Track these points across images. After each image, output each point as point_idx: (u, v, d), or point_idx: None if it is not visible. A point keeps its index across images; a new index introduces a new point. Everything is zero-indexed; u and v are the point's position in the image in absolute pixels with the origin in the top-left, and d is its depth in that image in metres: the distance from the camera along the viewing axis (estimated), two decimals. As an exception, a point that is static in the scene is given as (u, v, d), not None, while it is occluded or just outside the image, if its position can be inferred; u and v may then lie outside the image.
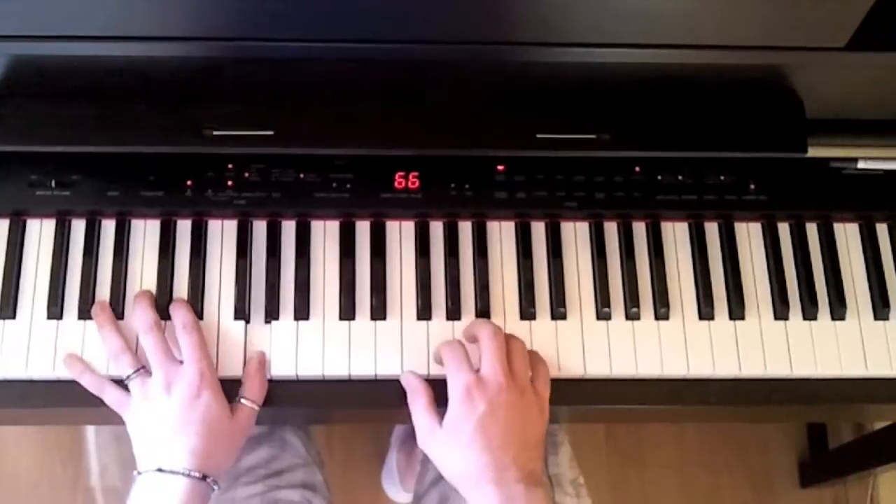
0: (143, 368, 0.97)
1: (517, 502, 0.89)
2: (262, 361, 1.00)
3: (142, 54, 0.87)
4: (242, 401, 0.98)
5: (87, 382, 0.98)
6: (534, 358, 1.00)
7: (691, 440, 1.98)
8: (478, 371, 0.94)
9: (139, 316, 0.99)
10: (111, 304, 1.01)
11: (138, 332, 0.99)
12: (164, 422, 0.93)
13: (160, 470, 0.91)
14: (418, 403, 0.97)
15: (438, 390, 0.96)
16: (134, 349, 0.99)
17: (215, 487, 0.93)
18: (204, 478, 0.92)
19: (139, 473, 0.93)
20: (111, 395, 0.97)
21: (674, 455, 1.96)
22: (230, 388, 0.98)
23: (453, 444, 0.92)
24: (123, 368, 0.97)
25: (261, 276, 1.03)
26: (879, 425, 1.70)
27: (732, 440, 2.00)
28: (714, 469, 1.98)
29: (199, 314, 1.02)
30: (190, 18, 0.82)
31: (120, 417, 0.98)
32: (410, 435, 1.77)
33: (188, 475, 0.91)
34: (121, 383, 0.98)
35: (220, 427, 0.95)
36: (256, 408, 0.98)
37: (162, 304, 1.01)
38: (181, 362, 0.97)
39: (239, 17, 0.82)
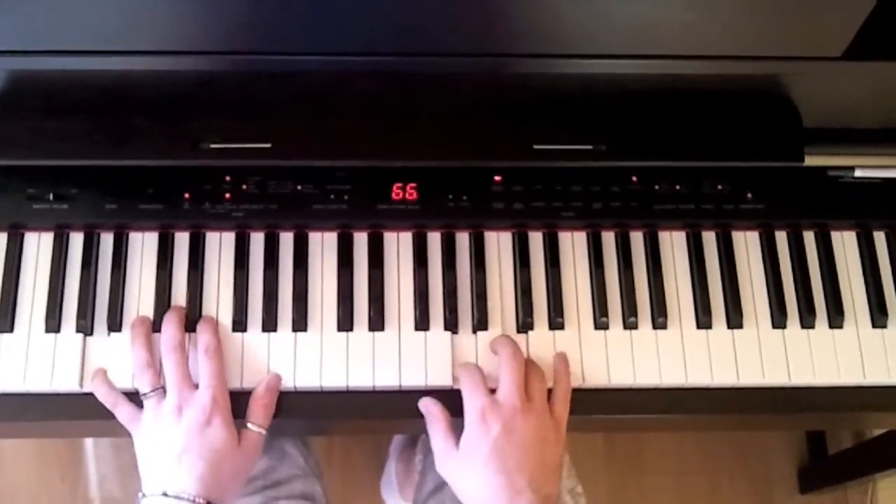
0: (162, 389, 0.97)
1: None
2: (271, 386, 0.99)
3: (140, 68, 0.88)
4: (249, 426, 0.97)
5: (103, 395, 0.98)
6: (557, 376, 1.00)
7: (690, 448, 1.97)
8: (493, 392, 0.95)
9: (166, 334, 0.99)
10: (108, 317, 1.01)
11: (161, 350, 0.98)
12: (173, 445, 0.93)
13: (165, 494, 0.91)
14: (436, 429, 0.97)
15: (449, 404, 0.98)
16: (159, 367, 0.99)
17: None
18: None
19: (143, 496, 0.93)
20: (123, 411, 0.97)
21: (673, 463, 1.96)
22: (231, 401, 0.98)
23: (469, 466, 0.93)
24: (143, 385, 0.97)
25: (258, 288, 1.03)
26: (878, 431, 1.70)
27: (731, 447, 1.99)
28: (713, 476, 1.98)
29: (195, 326, 1.01)
30: (187, 32, 0.82)
31: (119, 430, 0.98)
32: (409, 444, 1.77)
33: (193, 501, 0.90)
34: (136, 399, 0.98)
35: (227, 454, 0.94)
36: (263, 433, 0.98)
37: (161, 315, 1.01)
38: (198, 386, 0.97)
39: (236, 32, 0.82)
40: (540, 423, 0.94)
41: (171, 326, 0.99)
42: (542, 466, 0.93)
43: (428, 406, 0.99)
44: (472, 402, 0.94)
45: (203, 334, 1.00)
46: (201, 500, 0.91)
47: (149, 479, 0.94)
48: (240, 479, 0.98)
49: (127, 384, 0.99)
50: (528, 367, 0.98)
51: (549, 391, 0.98)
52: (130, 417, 0.97)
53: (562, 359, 1.01)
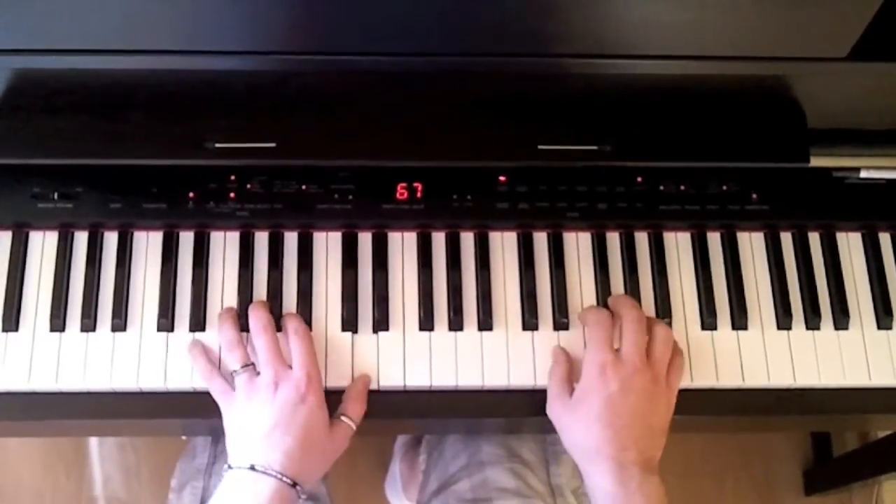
0: (252, 366, 0.97)
1: (631, 483, 0.91)
2: (367, 384, 1.00)
3: (144, 67, 0.88)
4: (343, 418, 0.98)
5: (200, 368, 0.99)
6: (675, 349, 1.00)
7: (695, 449, 1.97)
8: (617, 350, 0.96)
9: (254, 318, 0.99)
10: (113, 315, 1.01)
11: (252, 334, 0.99)
12: (265, 420, 0.93)
13: (252, 468, 0.91)
14: (556, 372, 0.99)
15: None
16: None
17: (302, 497, 0.93)
18: (294, 485, 0.91)
19: (230, 468, 0.93)
20: (217, 385, 0.98)
21: (677, 463, 1.95)
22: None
23: (580, 415, 0.94)
24: (233, 362, 0.97)
25: (263, 288, 1.03)
26: (884, 433, 1.70)
27: (736, 449, 1.99)
28: (718, 477, 1.98)
29: (202, 325, 1.02)
30: (191, 32, 0.83)
31: (123, 429, 0.98)
32: (413, 445, 1.77)
33: (280, 478, 0.90)
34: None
35: (317, 436, 0.95)
36: (354, 427, 0.98)
37: (166, 314, 1.01)
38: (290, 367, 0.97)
39: (240, 31, 0.83)
40: (655, 389, 0.95)
41: (258, 311, 1.00)
42: (650, 429, 0.94)
43: (558, 351, 1.01)
44: (596, 355, 0.96)
45: (291, 319, 1.00)
46: (287, 479, 0.91)
47: (237, 453, 0.94)
48: (325, 465, 0.98)
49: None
50: (655, 330, 0.99)
51: None
52: (224, 390, 0.97)
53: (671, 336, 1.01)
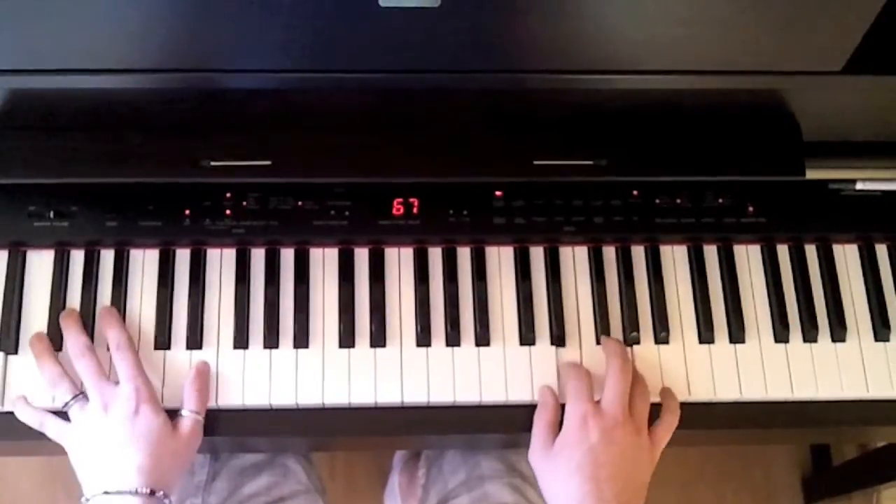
0: (82, 395, 0.97)
1: None
2: (201, 371, 0.99)
3: (139, 87, 0.88)
4: (182, 413, 0.97)
5: (26, 418, 0.98)
6: (670, 406, 1.00)
7: (694, 458, 1.97)
8: (598, 402, 0.96)
9: (70, 341, 0.99)
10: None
11: (71, 356, 0.98)
12: (106, 442, 0.93)
13: (106, 493, 0.91)
14: (542, 418, 0.98)
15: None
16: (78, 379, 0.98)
17: (167, 501, 0.92)
18: (152, 492, 0.91)
19: (87, 500, 0.92)
20: (51, 427, 0.97)
21: (676, 473, 1.95)
22: (232, 418, 0.99)
23: (560, 466, 0.94)
24: (62, 395, 0.97)
25: (260, 304, 1.03)
26: (883, 442, 1.70)
27: (735, 457, 1.99)
28: (717, 487, 1.97)
29: (199, 343, 1.02)
30: (186, 51, 0.82)
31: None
32: (412, 457, 1.77)
33: (135, 493, 0.90)
34: (63, 416, 0.97)
35: (162, 441, 0.94)
36: (199, 418, 0.98)
37: (163, 332, 1.01)
38: (117, 383, 0.96)
39: (236, 50, 0.82)
40: (637, 441, 0.95)
41: (71, 332, 0.99)
42: (632, 482, 0.94)
43: (545, 395, 1.00)
44: (576, 406, 0.95)
45: (110, 330, 0.99)
46: (144, 489, 0.90)
47: (88, 482, 0.93)
48: (181, 464, 0.97)
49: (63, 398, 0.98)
50: (635, 384, 0.98)
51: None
52: (60, 431, 0.97)
53: (672, 393, 1.01)
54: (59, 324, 1.01)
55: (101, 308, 1.02)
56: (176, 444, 0.95)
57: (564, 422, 0.96)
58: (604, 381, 0.99)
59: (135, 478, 0.91)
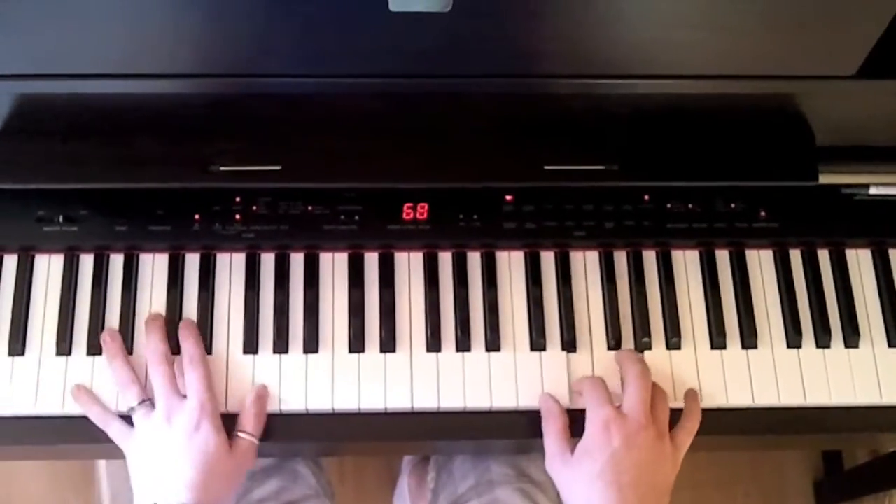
0: (149, 401, 0.97)
1: None
2: (261, 395, 0.99)
3: (149, 91, 0.87)
4: (240, 434, 0.97)
5: (94, 415, 0.98)
6: (692, 410, 1.00)
7: (705, 462, 1.96)
8: (618, 407, 0.95)
9: (150, 348, 0.99)
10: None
11: (148, 362, 0.98)
12: (163, 453, 0.93)
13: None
14: (552, 428, 0.97)
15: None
16: (143, 380, 0.99)
17: None
18: None
19: None
20: (115, 429, 0.97)
21: (688, 477, 1.93)
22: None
23: (582, 473, 0.93)
24: (129, 399, 0.97)
25: (269, 309, 1.03)
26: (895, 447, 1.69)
27: (747, 461, 1.98)
28: (728, 490, 1.96)
29: (208, 348, 1.01)
30: (196, 55, 0.82)
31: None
32: (422, 460, 1.76)
33: None
34: (127, 419, 0.98)
35: (217, 460, 0.94)
36: (255, 441, 0.98)
37: (172, 338, 1.01)
38: (185, 396, 0.96)
39: (246, 54, 0.82)
40: (660, 446, 0.94)
41: (154, 340, 0.99)
42: (655, 488, 0.93)
43: (547, 403, 0.99)
44: (598, 411, 0.94)
45: (186, 343, 1.00)
46: None
47: (140, 492, 0.94)
48: (231, 486, 0.97)
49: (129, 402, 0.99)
50: (654, 390, 0.98)
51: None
52: (122, 434, 0.97)
53: (695, 395, 1.01)
54: (66, 329, 1.01)
55: (183, 319, 1.02)
56: (229, 465, 0.95)
57: (586, 428, 0.95)
58: (618, 390, 0.98)
59: (184, 493, 0.91)
